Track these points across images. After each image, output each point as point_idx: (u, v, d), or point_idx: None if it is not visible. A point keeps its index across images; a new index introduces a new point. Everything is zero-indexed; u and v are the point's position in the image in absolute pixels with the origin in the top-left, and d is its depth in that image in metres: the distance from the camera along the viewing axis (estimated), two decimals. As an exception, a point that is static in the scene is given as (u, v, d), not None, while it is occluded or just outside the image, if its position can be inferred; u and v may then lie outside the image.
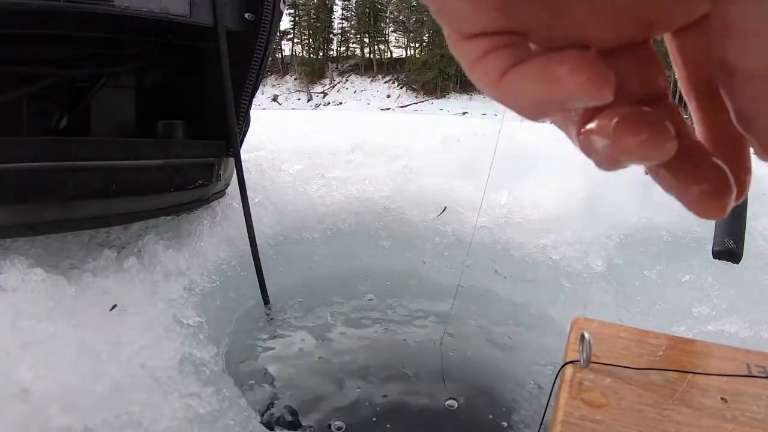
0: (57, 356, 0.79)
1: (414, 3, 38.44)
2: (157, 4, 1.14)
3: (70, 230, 1.25)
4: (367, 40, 41.62)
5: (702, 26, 0.16)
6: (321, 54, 42.17)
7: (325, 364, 1.25)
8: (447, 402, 1.14)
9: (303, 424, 1.04)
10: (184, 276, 1.23)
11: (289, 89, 40.89)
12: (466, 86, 37.27)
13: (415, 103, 36.20)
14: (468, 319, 1.49)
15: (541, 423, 0.73)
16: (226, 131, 1.32)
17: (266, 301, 1.44)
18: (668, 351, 0.54)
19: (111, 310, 0.99)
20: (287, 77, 41.86)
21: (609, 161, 0.15)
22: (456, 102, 35.85)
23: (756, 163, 0.27)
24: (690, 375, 0.50)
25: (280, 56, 41.85)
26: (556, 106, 0.15)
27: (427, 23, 38.15)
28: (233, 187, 1.53)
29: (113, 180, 1.13)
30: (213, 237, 1.42)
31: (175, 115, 1.43)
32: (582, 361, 0.49)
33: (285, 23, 41.12)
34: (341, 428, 1.04)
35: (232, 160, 1.39)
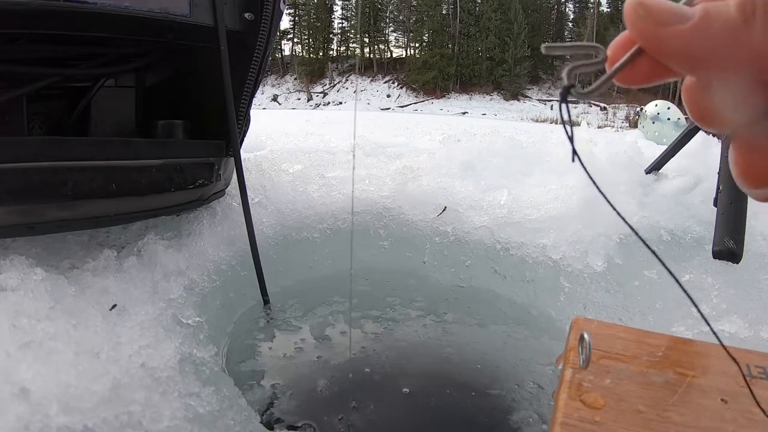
0: (57, 356, 0.79)
1: (414, 3, 38.43)
2: (157, 3, 1.14)
3: (70, 230, 1.24)
4: (367, 40, 41.59)
5: None
6: (321, 54, 42.17)
7: (325, 363, 1.25)
8: (447, 402, 1.15)
9: (303, 423, 1.04)
10: (184, 276, 1.23)
11: (289, 89, 40.89)
12: (466, 86, 37.27)
13: (415, 103, 36.19)
14: (468, 319, 1.49)
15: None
16: (226, 131, 1.32)
17: (266, 301, 1.44)
18: (668, 351, 0.54)
19: (111, 309, 0.99)
20: (287, 77, 41.86)
21: None
22: (456, 102, 35.84)
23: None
24: (689, 376, 0.50)
25: (280, 56, 41.85)
26: None
27: (426, 23, 38.14)
28: (233, 187, 1.53)
29: (113, 180, 1.13)
30: (213, 237, 1.42)
31: (175, 115, 1.43)
32: (581, 362, 0.49)
33: (285, 23, 41.12)
34: (341, 428, 1.04)
35: (232, 160, 1.39)
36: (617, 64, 0.24)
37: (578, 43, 0.25)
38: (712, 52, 0.22)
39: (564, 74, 0.25)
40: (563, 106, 0.26)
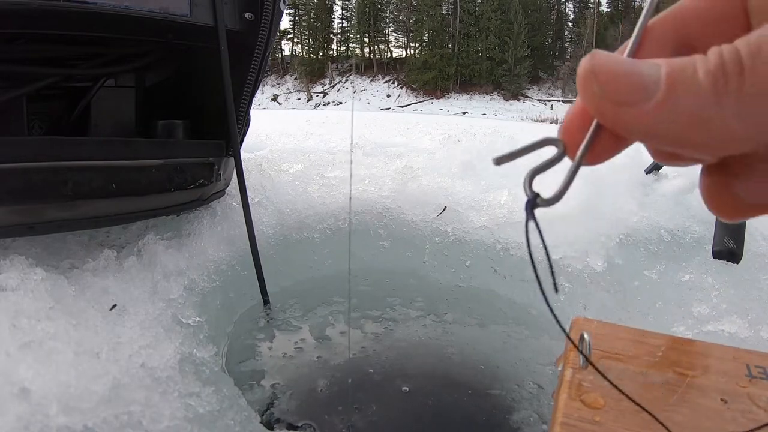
0: (57, 356, 0.79)
1: (414, 3, 38.47)
2: (157, 3, 1.14)
3: (70, 230, 1.25)
4: (367, 40, 41.60)
5: None
6: (321, 54, 42.19)
7: (325, 363, 1.25)
8: (447, 402, 1.15)
9: (303, 423, 1.04)
10: (184, 276, 1.23)
11: (289, 89, 40.93)
12: (466, 86, 37.27)
13: (415, 103, 36.20)
14: (468, 319, 1.49)
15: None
16: (226, 131, 1.32)
17: (266, 301, 1.44)
18: (668, 351, 0.54)
19: (111, 309, 0.99)
20: (287, 77, 41.89)
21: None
22: (456, 102, 35.85)
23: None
24: (689, 376, 0.50)
25: (280, 56, 41.89)
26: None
27: (426, 23, 38.15)
28: (233, 187, 1.53)
29: (113, 180, 1.13)
30: (213, 237, 1.42)
31: (175, 115, 1.43)
32: (581, 362, 0.49)
33: (285, 23, 41.18)
34: (341, 428, 1.04)
35: (232, 160, 1.39)
36: (579, 153, 0.22)
37: (530, 143, 0.22)
38: (680, 133, 0.19)
39: (525, 185, 0.22)
40: (530, 222, 0.23)
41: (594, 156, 0.22)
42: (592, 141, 0.21)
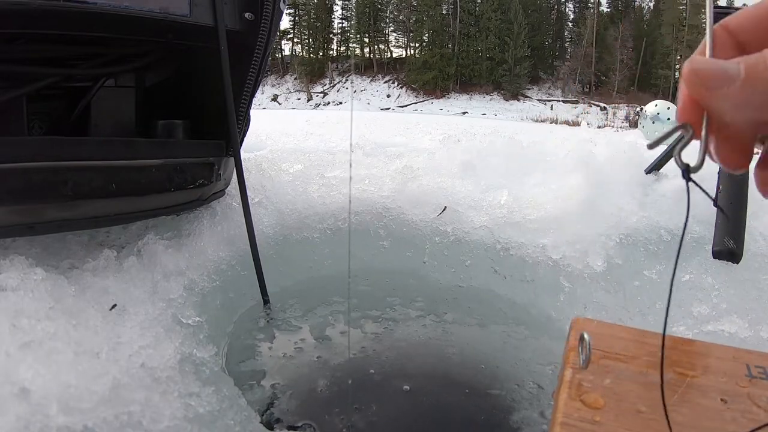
0: (57, 356, 0.79)
1: (414, 3, 38.45)
2: (157, 3, 1.14)
3: (70, 230, 1.25)
4: (367, 40, 41.58)
5: None
6: (321, 54, 42.20)
7: (325, 363, 1.25)
8: (447, 402, 1.15)
9: (303, 423, 1.04)
10: (184, 276, 1.23)
11: (289, 89, 40.94)
12: (466, 86, 37.27)
13: (415, 103, 36.19)
14: (468, 319, 1.49)
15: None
16: (226, 131, 1.32)
17: (266, 301, 1.44)
18: (668, 351, 0.54)
19: (111, 309, 0.99)
20: (287, 77, 41.90)
21: None
22: (456, 102, 35.84)
23: (754, 160, 0.31)
24: (689, 376, 0.50)
25: (280, 56, 41.90)
26: None
27: (426, 23, 38.14)
28: (233, 187, 1.54)
29: (113, 180, 1.13)
30: (213, 237, 1.42)
31: (175, 115, 1.43)
32: (581, 362, 0.49)
33: (285, 23, 41.18)
34: (341, 428, 1.04)
35: (232, 160, 1.39)
36: (703, 133, 0.31)
37: (670, 130, 0.32)
38: (756, 108, 0.27)
39: (678, 159, 0.32)
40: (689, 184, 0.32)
41: (711, 132, 0.31)
42: (708, 124, 0.30)
